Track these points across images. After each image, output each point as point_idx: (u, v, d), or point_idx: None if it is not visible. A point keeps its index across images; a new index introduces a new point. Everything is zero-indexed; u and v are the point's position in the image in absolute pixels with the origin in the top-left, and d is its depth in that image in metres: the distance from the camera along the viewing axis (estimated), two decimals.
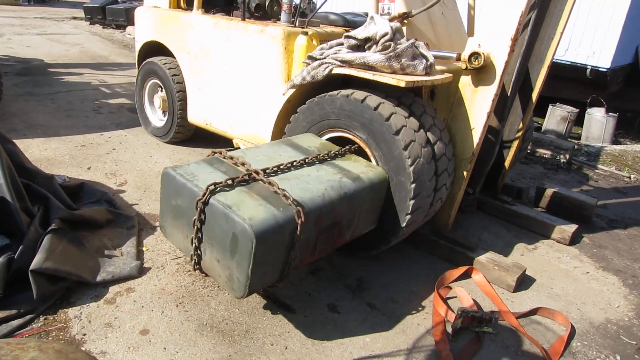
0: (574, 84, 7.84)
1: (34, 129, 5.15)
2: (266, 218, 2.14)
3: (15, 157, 3.23)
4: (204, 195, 2.21)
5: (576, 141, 7.21)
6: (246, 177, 2.37)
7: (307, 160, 2.69)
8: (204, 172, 2.42)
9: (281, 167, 2.55)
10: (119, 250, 3.09)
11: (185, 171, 2.41)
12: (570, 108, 7.24)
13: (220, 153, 2.62)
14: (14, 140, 3.44)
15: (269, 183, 2.35)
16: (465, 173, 3.20)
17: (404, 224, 2.81)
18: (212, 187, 2.24)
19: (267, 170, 2.48)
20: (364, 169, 2.76)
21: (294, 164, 2.61)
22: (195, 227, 2.27)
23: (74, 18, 15.26)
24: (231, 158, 2.57)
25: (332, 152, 2.83)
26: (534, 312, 2.95)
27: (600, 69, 7.27)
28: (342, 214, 2.55)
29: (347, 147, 2.93)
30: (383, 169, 2.83)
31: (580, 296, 3.21)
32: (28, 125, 5.24)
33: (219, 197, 2.21)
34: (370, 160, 2.92)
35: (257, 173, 2.40)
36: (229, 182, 2.30)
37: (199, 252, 2.35)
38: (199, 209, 2.22)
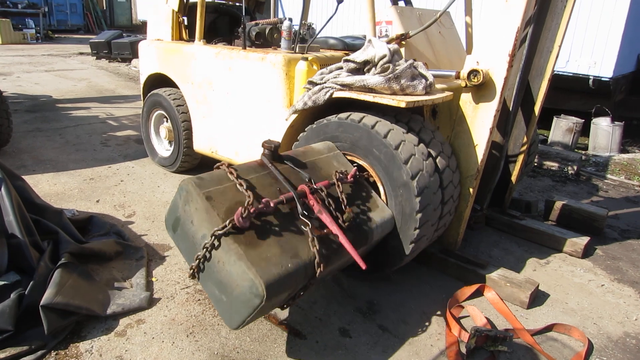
0: (578, 95, 7.83)
1: (43, 164, 5.22)
2: (277, 273, 2.10)
3: (24, 193, 3.28)
4: (222, 229, 2.12)
5: (583, 152, 7.17)
6: (262, 209, 2.29)
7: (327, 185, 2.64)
8: (220, 193, 2.30)
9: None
10: (129, 281, 3.10)
11: (206, 189, 2.28)
12: (575, 119, 7.22)
13: (232, 173, 2.44)
14: (24, 177, 3.49)
15: (295, 221, 2.31)
16: (471, 190, 3.19)
17: (413, 239, 2.80)
18: (232, 222, 2.15)
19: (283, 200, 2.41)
20: (372, 205, 2.77)
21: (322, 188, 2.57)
22: (204, 249, 2.18)
23: (81, 53, 15.57)
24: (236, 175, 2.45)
25: (339, 176, 2.74)
26: (549, 328, 2.90)
27: (602, 79, 7.27)
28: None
29: (356, 173, 2.87)
30: (385, 187, 2.84)
31: (596, 310, 3.16)
32: (37, 160, 5.32)
33: (239, 237, 2.14)
34: (371, 177, 2.92)
35: (269, 203, 2.32)
36: (250, 212, 2.22)
37: (201, 266, 2.26)
38: (213, 236, 2.14)
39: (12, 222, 2.87)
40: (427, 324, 2.89)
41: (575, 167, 5.96)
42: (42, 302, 2.52)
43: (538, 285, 3.21)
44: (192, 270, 2.26)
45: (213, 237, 2.13)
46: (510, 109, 3.58)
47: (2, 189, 2.92)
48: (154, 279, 3.18)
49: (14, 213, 2.89)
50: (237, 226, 2.15)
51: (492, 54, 2.99)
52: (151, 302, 2.93)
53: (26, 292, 2.62)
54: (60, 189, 4.58)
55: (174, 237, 2.41)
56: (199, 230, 2.23)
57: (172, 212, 2.38)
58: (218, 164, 2.48)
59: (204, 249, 2.17)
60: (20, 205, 3.02)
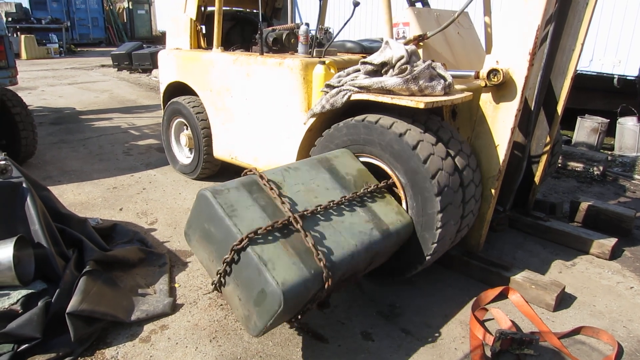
0: (602, 95, 7.68)
1: (68, 174, 5.32)
2: (297, 282, 2.15)
3: (50, 203, 3.34)
4: (241, 242, 2.17)
5: (609, 152, 7.02)
6: (285, 223, 2.33)
7: (343, 201, 2.63)
8: (243, 205, 2.35)
9: (319, 209, 2.50)
10: (152, 288, 3.13)
11: (225, 201, 2.33)
12: (600, 119, 7.08)
13: (262, 177, 2.52)
14: (50, 187, 3.56)
15: (306, 235, 2.32)
16: (493, 191, 3.15)
17: (435, 239, 2.77)
18: (252, 235, 2.20)
19: (306, 213, 2.43)
20: (394, 218, 2.75)
21: (331, 205, 2.56)
22: (225, 264, 2.25)
23: (103, 66, 15.88)
24: (270, 186, 2.49)
25: (367, 191, 2.77)
26: (576, 331, 2.83)
27: (628, 78, 7.12)
28: (364, 264, 2.59)
29: (381, 185, 2.88)
30: (408, 197, 2.84)
31: (625, 313, 3.07)
32: (62, 171, 5.42)
33: (257, 248, 2.18)
34: (392, 180, 2.91)
35: (297, 221, 2.34)
36: (269, 228, 2.26)
37: (222, 281, 2.32)
38: (233, 251, 2.20)
39: (38, 232, 2.93)
40: (450, 327, 2.85)
41: (601, 168, 5.83)
42: (68, 310, 2.56)
43: (564, 288, 3.14)
44: (217, 277, 2.32)
45: (232, 252, 2.20)
46: (532, 108, 3.52)
47: (28, 199, 2.98)
48: (176, 285, 3.21)
49: (39, 222, 2.95)
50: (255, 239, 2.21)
51: (512, 52, 2.95)
52: (174, 308, 2.95)
53: (53, 300, 2.66)
54: (85, 198, 4.65)
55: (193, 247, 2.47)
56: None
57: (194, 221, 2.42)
58: (246, 170, 2.53)
59: (224, 264, 2.24)
60: (45, 215, 3.08)
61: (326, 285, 2.25)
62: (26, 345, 2.46)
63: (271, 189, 2.48)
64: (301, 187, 2.61)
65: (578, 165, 6.04)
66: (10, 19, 19.32)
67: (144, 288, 3.11)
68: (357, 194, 2.71)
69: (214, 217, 2.32)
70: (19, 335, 2.47)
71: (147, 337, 2.69)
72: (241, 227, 2.23)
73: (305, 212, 2.43)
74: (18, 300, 2.64)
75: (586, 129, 7.09)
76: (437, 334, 2.79)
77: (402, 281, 3.28)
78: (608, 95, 7.63)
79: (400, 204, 2.89)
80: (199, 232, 2.43)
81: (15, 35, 18.52)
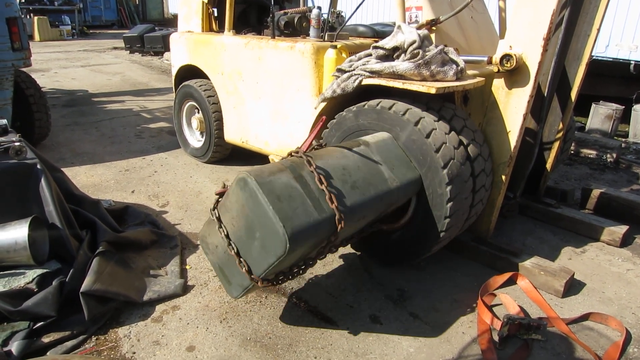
0: (618, 81, 7.57)
1: (81, 156, 5.38)
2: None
3: (63, 184, 3.39)
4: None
5: (623, 139, 6.93)
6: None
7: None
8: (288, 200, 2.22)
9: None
10: (164, 269, 3.17)
11: (269, 194, 2.17)
12: (614, 105, 6.98)
13: (309, 164, 2.37)
14: (63, 169, 3.61)
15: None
16: (503, 177, 3.14)
17: (443, 227, 2.78)
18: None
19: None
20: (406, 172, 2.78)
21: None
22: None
23: (115, 48, 15.90)
24: (319, 179, 2.34)
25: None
26: (585, 317, 2.84)
27: None
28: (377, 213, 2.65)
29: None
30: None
31: (634, 300, 3.07)
32: (75, 153, 5.48)
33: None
34: None
35: (340, 222, 2.28)
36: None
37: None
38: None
39: (52, 213, 2.98)
40: (458, 311, 2.87)
41: (614, 155, 5.77)
42: (82, 289, 2.62)
43: (573, 274, 3.14)
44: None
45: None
46: (545, 94, 3.49)
47: (42, 180, 3.03)
48: (187, 267, 3.25)
49: (54, 204, 3.00)
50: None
51: (526, 38, 2.91)
52: (185, 289, 3.00)
53: (67, 280, 2.72)
54: (97, 180, 4.71)
55: None
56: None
57: None
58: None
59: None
60: (59, 196, 3.13)
61: (339, 228, 2.25)
62: (41, 323, 2.52)
63: (319, 178, 2.35)
64: (346, 183, 2.50)
65: (591, 152, 5.98)
66: (23, 0, 19.35)
67: (156, 269, 3.16)
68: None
69: (254, 208, 2.21)
70: (35, 313, 2.53)
71: (159, 317, 2.75)
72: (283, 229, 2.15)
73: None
74: (33, 280, 2.71)
75: (600, 115, 7.00)
76: (445, 319, 2.81)
77: (410, 266, 3.30)
78: (624, 82, 7.52)
79: None
80: (232, 213, 2.35)
81: (28, 16, 18.56)
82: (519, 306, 2.88)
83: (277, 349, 2.52)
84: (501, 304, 2.94)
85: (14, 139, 3.17)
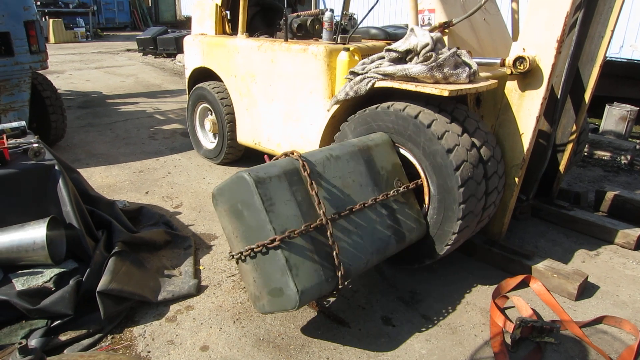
0: (632, 82, 7.49)
1: (96, 157, 5.45)
2: (314, 287, 2.32)
3: (80, 185, 3.44)
4: (272, 242, 2.25)
5: (638, 141, 6.87)
6: (317, 226, 2.40)
7: (372, 203, 2.70)
8: (281, 199, 2.36)
9: (349, 212, 2.58)
10: (178, 269, 3.21)
11: (265, 192, 2.32)
12: (629, 107, 6.91)
13: (304, 168, 2.49)
14: (78, 170, 3.66)
15: (333, 242, 2.41)
16: (516, 179, 3.13)
17: (455, 230, 2.79)
18: (285, 237, 2.27)
19: (337, 216, 2.52)
20: (412, 225, 2.87)
21: (361, 208, 2.64)
22: (249, 250, 2.34)
23: (128, 50, 16.06)
24: (310, 180, 2.47)
25: (396, 192, 2.84)
26: (599, 320, 2.83)
27: None
28: (371, 267, 2.84)
29: (411, 186, 2.94)
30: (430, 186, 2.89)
31: None
32: (90, 154, 5.55)
33: (286, 252, 2.27)
34: (420, 181, 2.94)
35: (328, 226, 2.42)
36: (302, 231, 2.33)
37: (243, 258, 2.41)
38: (263, 246, 2.29)
39: (70, 213, 3.03)
40: (471, 314, 2.87)
41: (628, 157, 5.72)
42: (98, 288, 2.66)
43: (587, 277, 3.12)
44: (237, 256, 2.43)
45: (262, 247, 2.29)
46: (559, 96, 3.47)
47: (60, 181, 3.08)
48: (201, 267, 3.29)
49: (71, 204, 3.05)
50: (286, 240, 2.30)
51: (540, 40, 2.91)
52: (199, 289, 3.03)
53: (83, 279, 2.77)
54: (112, 181, 4.77)
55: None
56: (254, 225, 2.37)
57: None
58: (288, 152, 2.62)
59: (250, 250, 2.34)
60: (76, 197, 3.18)
61: (336, 290, 2.45)
62: (59, 321, 2.57)
63: (311, 183, 2.47)
64: (338, 182, 2.63)
65: (605, 154, 5.93)
66: (39, 2, 19.60)
67: (170, 269, 3.20)
68: (388, 195, 2.78)
69: (250, 204, 2.33)
70: (52, 312, 2.58)
71: (173, 317, 2.78)
72: (276, 225, 2.28)
73: (336, 215, 2.51)
74: (51, 279, 2.76)
75: (614, 117, 6.94)
76: (457, 321, 2.81)
77: (423, 268, 3.30)
78: (638, 83, 7.44)
79: (423, 192, 2.91)
80: (230, 205, 2.43)
81: (44, 19, 18.80)
82: (532, 309, 2.87)
83: (290, 349, 2.54)
84: (514, 307, 2.93)
85: (32, 140, 3.23)
